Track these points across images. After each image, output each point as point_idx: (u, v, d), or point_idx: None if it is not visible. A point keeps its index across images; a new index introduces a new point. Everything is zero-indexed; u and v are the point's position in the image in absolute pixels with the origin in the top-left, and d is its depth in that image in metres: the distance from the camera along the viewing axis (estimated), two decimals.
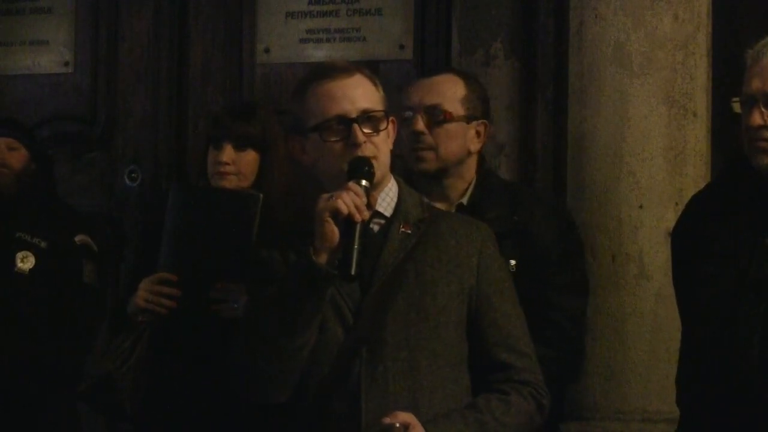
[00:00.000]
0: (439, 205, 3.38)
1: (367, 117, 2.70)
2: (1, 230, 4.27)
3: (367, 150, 2.69)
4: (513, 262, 3.40)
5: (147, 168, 4.98)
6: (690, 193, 3.54)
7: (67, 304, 4.24)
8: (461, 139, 3.49)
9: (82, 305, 4.25)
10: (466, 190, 3.51)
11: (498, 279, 2.79)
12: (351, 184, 2.61)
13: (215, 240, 3.40)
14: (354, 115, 2.69)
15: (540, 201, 3.63)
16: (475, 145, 3.52)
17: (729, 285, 2.84)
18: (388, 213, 2.76)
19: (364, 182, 2.62)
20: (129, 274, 3.95)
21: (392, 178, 2.80)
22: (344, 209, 2.56)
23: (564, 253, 3.55)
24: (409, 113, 3.47)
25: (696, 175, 3.89)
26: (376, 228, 2.75)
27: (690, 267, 2.96)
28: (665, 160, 3.86)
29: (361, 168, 2.65)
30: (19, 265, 4.24)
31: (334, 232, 2.58)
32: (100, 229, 4.43)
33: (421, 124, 3.44)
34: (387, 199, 2.77)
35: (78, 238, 4.30)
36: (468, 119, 3.50)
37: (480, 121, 3.53)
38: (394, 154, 2.82)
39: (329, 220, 2.57)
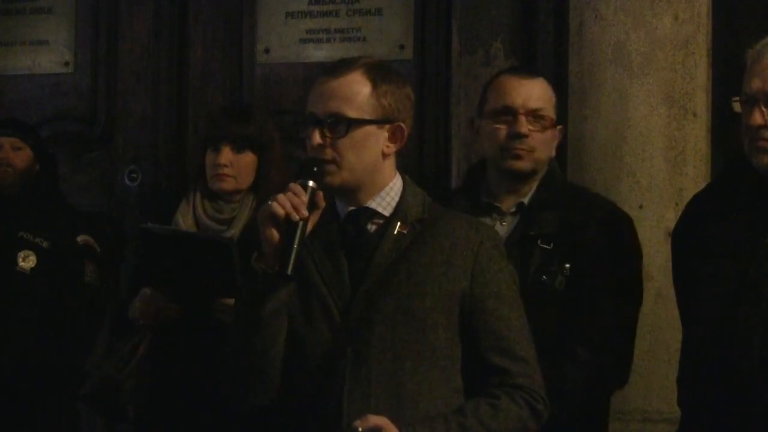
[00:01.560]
0: (503, 203, 3.39)
1: (332, 120, 2.68)
2: (4, 229, 4.27)
3: (322, 154, 2.68)
4: (568, 266, 3.35)
5: (147, 168, 4.98)
6: (690, 193, 3.54)
7: (68, 304, 4.24)
8: (551, 146, 3.45)
9: (83, 305, 4.25)
10: (530, 190, 3.44)
11: (495, 282, 2.73)
12: (292, 184, 2.62)
13: (198, 288, 3.41)
14: (320, 116, 2.69)
15: (598, 205, 3.53)
16: (553, 151, 3.47)
17: (729, 285, 2.84)
18: (387, 213, 2.75)
19: (311, 183, 2.63)
20: (130, 277, 3.95)
21: (397, 176, 2.78)
22: (280, 211, 2.57)
23: (618, 260, 3.42)
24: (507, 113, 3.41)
25: (696, 175, 3.89)
26: (373, 228, 2.74)
27: (690, 267, 2.96)
28: (665, 160, 3.87)
29: (309, 168, 2.65)
30: (21, 264, 4.24)
31: (273, 234, 2.58)
32: (103, 229, 4.43)
33: (526, 127, 3.38)
34: (387, 199, 2.76)
35: (80, 239, 4.30)
36: (555, 125, 3.47)
37: (559, 126, 3.49)
38: (399, 155, 2.80)
39: (267, 222, 2.59)
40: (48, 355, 4.21)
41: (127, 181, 4.99)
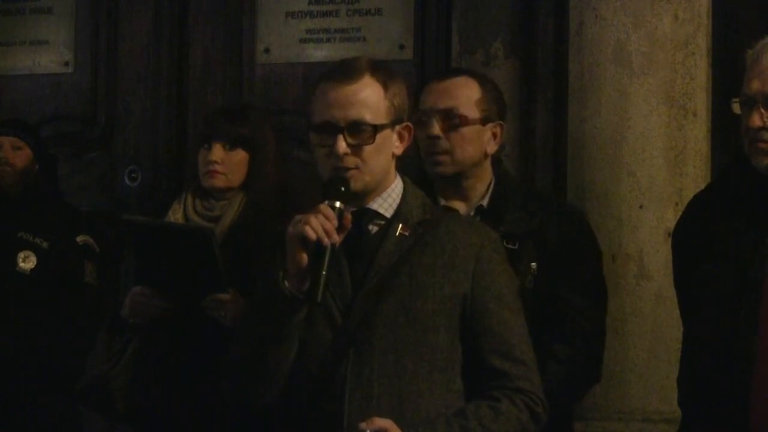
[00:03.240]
0: (458, 207, 3.38)
1: (356, 127, 2.68)
2: (3, 230, 4.28)
3: (348, 161, 2.67)
4: (534, 264, 3.37)
5: (147, 168, 4.98)
6: (690, 193, 3.54)
7: (68, 304, 4.24)
8: (477, 142, 3.42)
9: (83, 305, 4.25)
10: (486, 191, 3.46)
11: (496, 285, 2.74)
12: (322, 206, 2.60)
13: (183, 277, 3.42)
14: (342, 124, 2.68)
15: (556, 203, 3.59)
16: (491, 147, 3.46)
17: (729, 285, 2.84)
18: (388, 214, 2.75)
19: (338, 204, 2.61)
20: (132, 277, 3.96)
21: (398, 178, 2.79)
22: (312, 235, 2.56)
23: (581, 255, 3.48)
24: (424, 116, 3.42)
25: (696, 175, 3.89)
26: (375, 229, 2.74)
27: (691, 267, 2.96)
28: (665, 160, 3.86)
29: (336, 187, 2.64)
30: (21, 264, 4.25)
31: (302, 257, 2.58)
32: (102, 229, 4.43)
33: (436, 128, 3.38)
34: (389, 200, 2.76)
35: (80, 238, 4.30)
36: (483, 122, 3.44)
37: (496, 123, 3.47)
38: (405, 155, 2.80)
39: (296, 245, 2.58)
40: (48, 355, 4.21)
41: (127, 181, 5.00)
